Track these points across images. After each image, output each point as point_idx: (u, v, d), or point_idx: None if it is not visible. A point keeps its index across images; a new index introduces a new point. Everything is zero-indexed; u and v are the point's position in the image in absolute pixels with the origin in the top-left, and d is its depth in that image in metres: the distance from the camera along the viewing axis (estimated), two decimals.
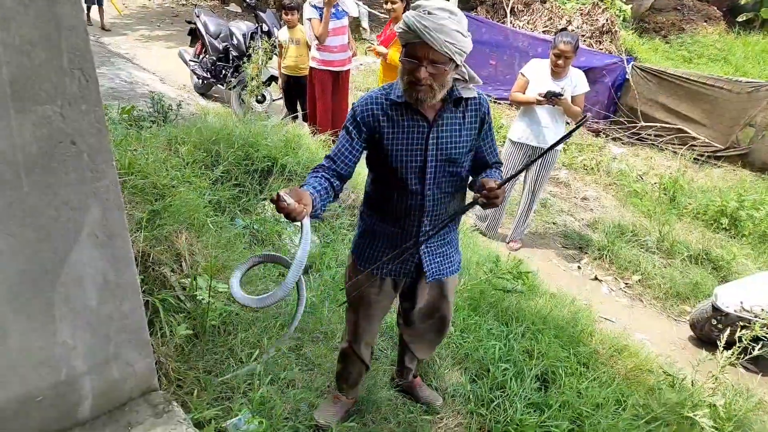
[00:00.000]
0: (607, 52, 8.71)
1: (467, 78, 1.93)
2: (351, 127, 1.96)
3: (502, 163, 2.20)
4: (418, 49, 1.76)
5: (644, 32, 11.66)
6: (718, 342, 2.85)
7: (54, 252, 1.46)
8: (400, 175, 1.97)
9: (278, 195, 1.57)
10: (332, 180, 1.94)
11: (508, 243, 4.89)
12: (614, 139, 7.56)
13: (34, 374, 1.58)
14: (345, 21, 5.55)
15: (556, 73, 4.27)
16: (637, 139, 7.50)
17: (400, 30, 1.78)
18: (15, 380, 1.55)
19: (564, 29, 6.25)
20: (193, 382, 2.48)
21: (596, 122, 7.78)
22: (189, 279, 2.92)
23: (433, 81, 1.78)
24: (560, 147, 4.40)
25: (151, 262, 2.86)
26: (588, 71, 7.77)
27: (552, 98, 4.16)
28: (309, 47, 5.80)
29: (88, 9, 10.23)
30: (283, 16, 5.86)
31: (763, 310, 3.35)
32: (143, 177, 3.30)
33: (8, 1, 1.15)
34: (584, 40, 9.04)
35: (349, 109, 2.04)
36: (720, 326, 3.59)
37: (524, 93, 4.39)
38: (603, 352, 3.33)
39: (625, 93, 7.73)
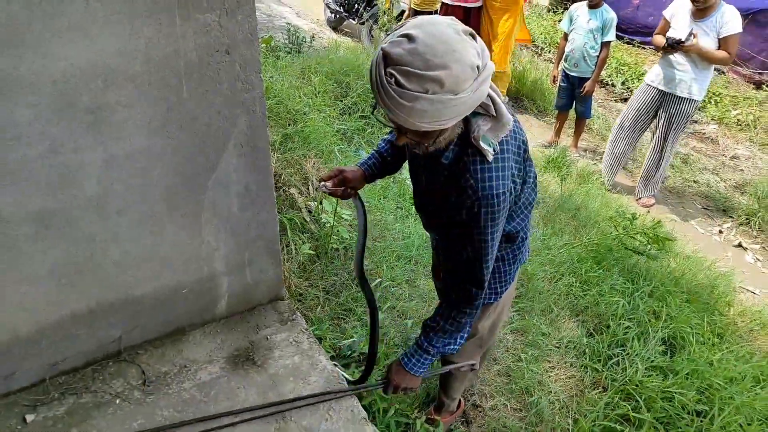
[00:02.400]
0: None
1: (494, 114, 1.26)
2: None
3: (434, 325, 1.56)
4: (392, 121, 1.19)
5: None
6: None
7: (206, 157, 1.55)
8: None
9: (317, 186, 1.56)
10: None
11: (638, 199, 4.55)
12: None
13: (182, 268, 1.74)
14: None
15: (699, 11, 3.74)
16: None
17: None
18: (167, 272, 1.70)
19: None
20: (313, 299, 2.60)
21: (759, 73, 6.85)
22: (315, 203, 3.04)
23: (423, 141, 1.25)
24: (697, 96, 3.97)
25: (282, 183, 3.00)
26: (757, 13, 6.84)
27: (674, 46, 3.75)
28: None
29: None
30: None
31: None
32: (278, 102, 3.43)
33: None
34: None
35: None
36: None
37: (665, 36, 3.96)
38: (742, 325, 3.04)
39: None
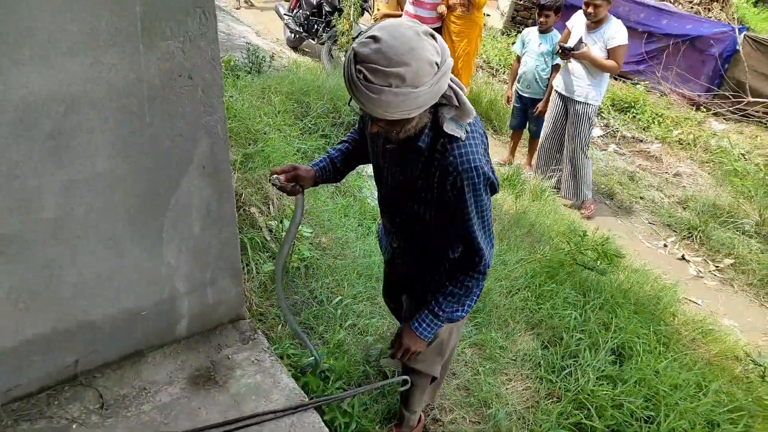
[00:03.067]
0: (716, 20, 8.04)
1: (457, 104, 1.39)
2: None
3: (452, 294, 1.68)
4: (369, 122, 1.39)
5: (760, 1, 10.63)
6: None
7: (167, 179, 1.57)
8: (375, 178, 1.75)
9: (270, 179, 1.66)
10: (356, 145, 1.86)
11: (580, 210, 4.78)
12: (716, 114, 7.03)
13: (142, 290, 1.74)
14: None
15: (592, 23, 4.21)
16: (743, 116, 6.95)
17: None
18: (127, 294, 1.70)
19: None
20: (274, 318, 2.62)
21: (697, 95, 7.26)
22: (275, 222, 3.06)
23: (393, 129, 1.37)
24: (594, 101, 4.38)
25: (242, 203, 3.01)
26: (694, 39, 7.28)
27: (566, 53, 4.21)
28: (400, 6, 5.79)
29: None
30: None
31: None
32: (238, 121, 3.45)
33: None
34: (692, 7, 8.38)
35: None
36: None
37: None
38: (685, 334, 3.20)
39: (733, 65, 7.13)
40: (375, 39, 1.20)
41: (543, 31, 4.74)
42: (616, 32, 4.12)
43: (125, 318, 1.75)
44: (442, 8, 5.59)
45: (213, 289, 1.93)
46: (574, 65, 4.35)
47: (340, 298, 2.78)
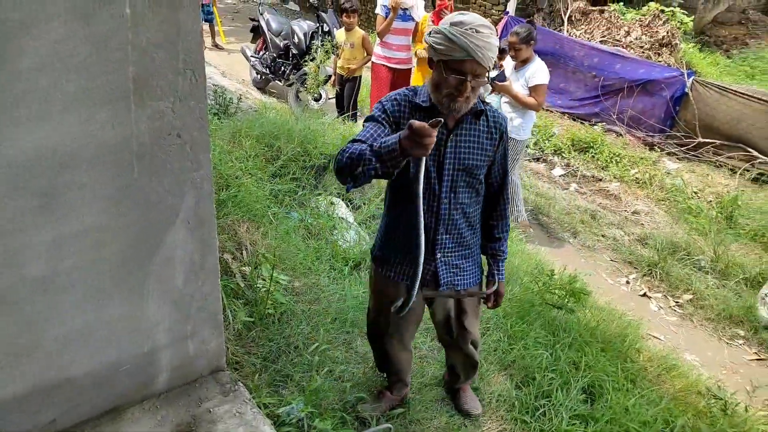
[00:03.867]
0: (666, 65, 8.53)
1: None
2: (379, 115, 1.94)
3: (506, 209, 2.26)
4: (465, 65, 1.79)
5: (705, 46, 11.33)
6: None
7: (153, 233, 1.59)
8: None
9: (433, 122, 1.53)
10: None
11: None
12: (669, 153, 7.39)
13: (124, 343, 1.72)
14: (410, 24, 5.77)
15: (518, 63, 4.62)
16: (694, 155, 7.32)
17: (443, 47, 1.79)
18: (109, 348, 1.69)
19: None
20: (251, 366, 2.60)
21: (651, 135, 7.63)
22: (249, 267, 3.06)
23: (471, 93, 1.85)
24: (519, 136, 4.73)
25: None
26: (646, 83, 7.68)
27: (492, 83, 4.56)
28: (365, 50, 5.99)
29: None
30: (343, 18, 6.02)
31: None
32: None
33: (139, 6, 1.28)
34: (643, 52, 8.87)
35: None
36: None
37: None
38: (651, 370, 3.31)
39: (683, 107, 7.55)
40: (463, 14, 1.83)
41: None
42: (536, 71, 4.52)
43: (106, 373, 1.72)
44: (420, 50, 5.80)
45: (194, 341, 1.92)
46: (503, 103, 4.73)
47: (316, 344, 2.78)
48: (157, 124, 1.44)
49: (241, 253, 3.19)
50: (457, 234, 2.11)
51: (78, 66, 1.27)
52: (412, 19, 5.77)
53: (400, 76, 5.98)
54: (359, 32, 6.04)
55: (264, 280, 2.93)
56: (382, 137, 1.81)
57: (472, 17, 1.81)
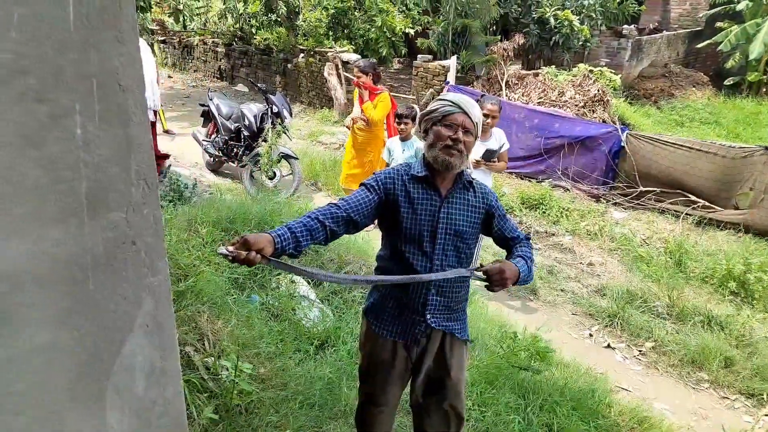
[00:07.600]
0: (600, 121, 9.06)
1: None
2: (371, 183, 2.19)
3: (524, 238, 2.36)
4: (457, 117, 2.12)
5: (635, 99, 12.12)
6: None
7: (110, 343, 1.56)
8: (410, 244, 2.15)
9: (220, 251, 1.76)
10: (326, 221, 2.02)
11: None
12: (615, 204, 7.73)
13: None
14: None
15: (484, 133, 4.84)
16: (638, 204, 7.68)
17: (437, 106, 2.18)
18: None
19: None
20: None
21: (596, 188, 7.99)
22: (212, 359, 2.99)
23: (464, 148, 2.11)
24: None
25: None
26: (585, 140, 8.12)
27: (478, 162, 4.79)
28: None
29: None
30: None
31: None
32: (168, 258, 3.43)
33: (90, 126, 1.32)
34: (578, 110, 9.41)
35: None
36: None
37: None
38: (624, 424, 3.33)
39: (622, 159, 7.98)
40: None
41: (403, 139, 5.27)
42: (501, 137, 4.93)
43: None
44: (349, 121, 6.15)
45: None
46: (475, 171, 4.92)
47: None
48: (111, 235, 1.45)
49: (203, 345, 3.12)
50: (450, 293, 2.22)
51: (29, 188, 1.28)
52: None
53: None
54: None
55: (228, 370, 2.87)
56: (360, 201, 2.11)
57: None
